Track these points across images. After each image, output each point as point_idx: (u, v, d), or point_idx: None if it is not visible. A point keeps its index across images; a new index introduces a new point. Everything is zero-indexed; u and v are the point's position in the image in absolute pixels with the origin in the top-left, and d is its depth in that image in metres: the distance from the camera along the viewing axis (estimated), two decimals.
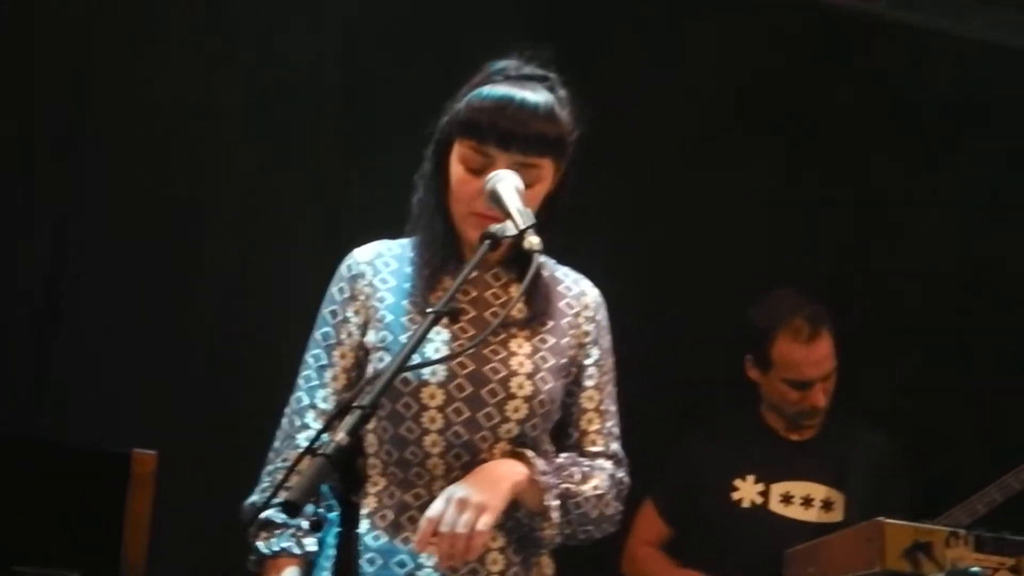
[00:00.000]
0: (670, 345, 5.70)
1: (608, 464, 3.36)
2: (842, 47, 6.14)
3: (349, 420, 2.56)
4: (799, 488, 5.01)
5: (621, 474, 3.38)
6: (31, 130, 5.07)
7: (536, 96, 3.21)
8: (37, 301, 5.05)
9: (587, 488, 3.28)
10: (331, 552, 3.08)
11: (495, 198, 3.07)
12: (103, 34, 5.18)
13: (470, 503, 3.03)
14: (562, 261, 3.41)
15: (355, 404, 2.62)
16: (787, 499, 5.00)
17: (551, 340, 3.31)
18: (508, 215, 2.98)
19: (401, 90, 5.11)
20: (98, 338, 4.99)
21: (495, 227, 2.97)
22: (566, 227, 3.23)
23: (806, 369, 4.99)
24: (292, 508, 2.59)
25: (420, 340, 2.84)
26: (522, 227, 2.93)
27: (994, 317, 6.11)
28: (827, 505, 4.97)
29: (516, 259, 3.20)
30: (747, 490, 5.02)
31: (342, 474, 2.55)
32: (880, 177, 6.11)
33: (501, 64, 3.30)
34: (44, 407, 4.90)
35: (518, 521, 3.24)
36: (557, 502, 3.21)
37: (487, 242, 2.95)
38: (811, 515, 4.94)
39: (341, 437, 2.53)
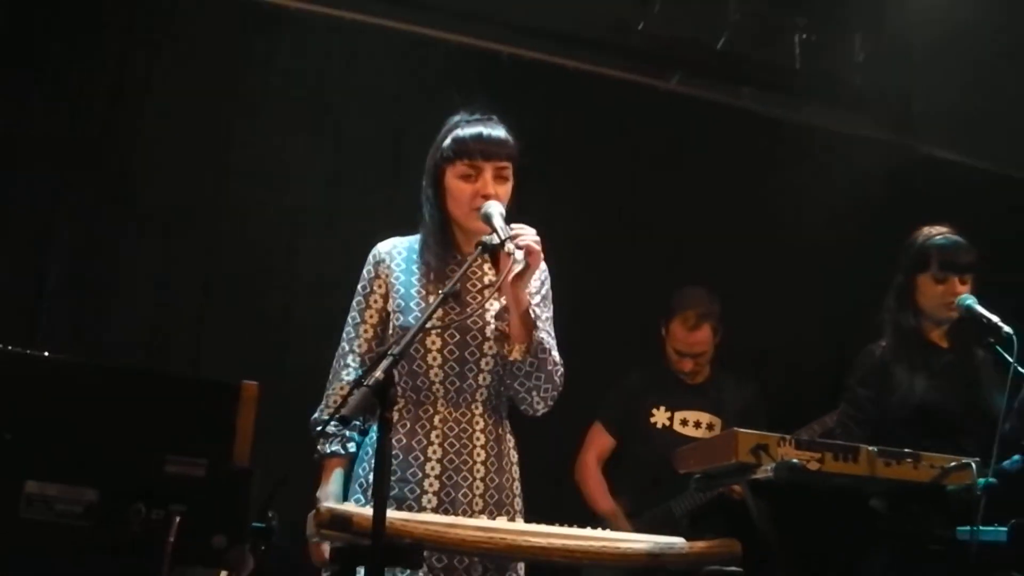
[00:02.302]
0: (621, 312, 6.03)
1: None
2: None
3: (384, 363, 2.88)
4: (693, 415, 5.50)
5: (562, 368, 3.57)
6: None
7: (497, 128, 3.58)
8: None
9: (555, 352, 3.53)
10: (370, 451, 3.49)
11: (487, 219, 3.39)
12: None
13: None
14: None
15: (389, 352, 2.92)
16: (685, 422, 5.47)
17: None
18: (494, 230, 3.32)
19: None
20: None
21: (485, 237, 3.32)
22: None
23: (685, 346, 5.50)
24: (345, 420, 2.98)
25: (435, 310, 3.22)
26: (503, 238, 3.28)
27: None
28: (710, 427, 5.46)
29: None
30: (660, 416, 5.48)
31: (380, 398, 2.84)
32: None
33: (459, 116, 3.63)
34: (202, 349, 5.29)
35: (492, 393, 3.54)
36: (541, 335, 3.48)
37: (479, 247, 3.32)
38: (700, 433, 5.43)
39: (379, 375, 2.83)
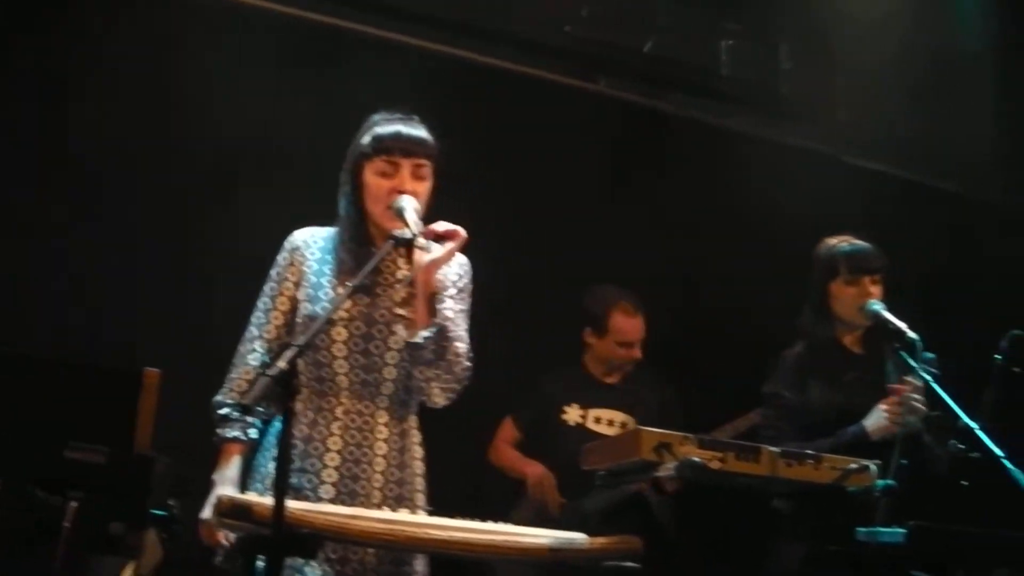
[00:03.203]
0: (532, 318, 6.08)
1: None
2: None
3: (288, 353, 2.90)
4: (606, 414, 5.56)
5: (468, 363, 3.52)
6: None
7: (416, 127, 3.59)
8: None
9: (459, 343, 3.48)
10: (273, 440, 3.47)
11: (399, 213, 3.41)
12: None
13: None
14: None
15: (293, 343, 2.98)
16: (598, 420, 5.54)
17: None
18: (407, 225, 3.37)
19: None
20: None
21: (397, 232, 3.38)
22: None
23: (632, 335, 5.57)
24: (246, 409, 3.09)
25: (342, 303, 3.26)
26: (415, 233, 3.35)
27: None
28: (623, 425, 5.51)
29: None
30: (572, 413, 5.55)
31: (283, 389, 2.87)
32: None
33: (380, 115, 3.64)
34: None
35: (399, 387, 3.52)
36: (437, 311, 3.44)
37: (391, 240, 3.38)
38: (613, 432, 5.48)
39: (283, 365, 2.86)
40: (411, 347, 3.48)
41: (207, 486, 3.45)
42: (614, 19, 6.29)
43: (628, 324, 5.60)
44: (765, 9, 6.59)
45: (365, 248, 3.58)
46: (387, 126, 3.59)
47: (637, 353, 5.63)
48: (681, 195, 6.40)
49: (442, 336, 3.45)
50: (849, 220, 4.88)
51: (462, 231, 3.45)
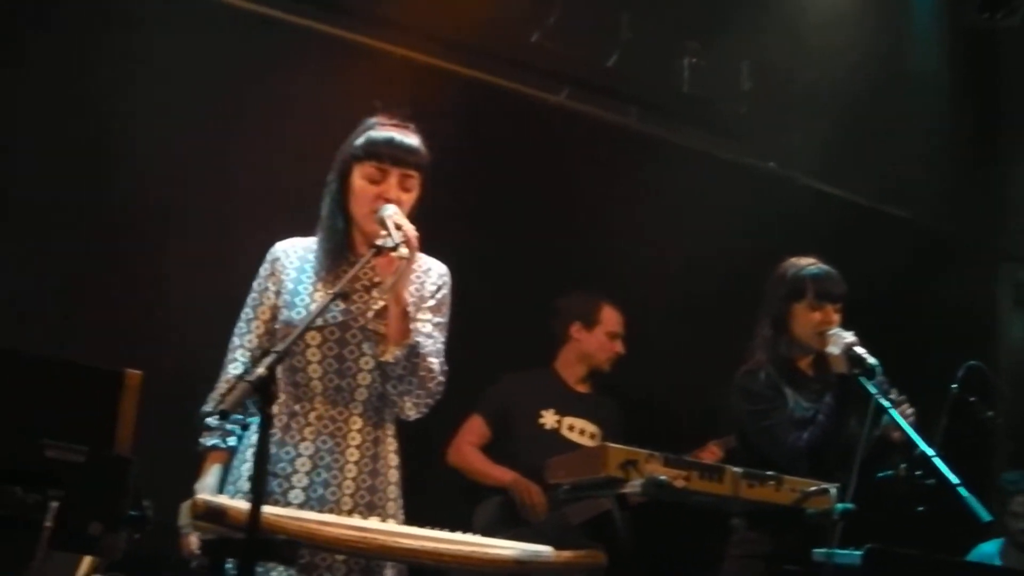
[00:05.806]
0: (502, 318, 6.03)
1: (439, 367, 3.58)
2: None
3: (267, 359, 2.95)
4: (579, 423, 5.73)
5: (442, 378, 3.57)
6: None
7: (410, 136, 3.61)
8: None
9: (432, 359, 3.52)
10: (251, 443, 3.51)
11: (382, 223, 3.42)
12: None
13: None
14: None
15: (272, 349, 3.01)
16: (572, 428, 5.68)
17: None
18: (388, 234, 3.36)
19: None
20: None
21: (379, 240, 3.35)
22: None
23: (620, 326, 5.85)
24: (224, 414, 3.17)
25: (322, 311, 3.28)
26: (397, 243, 3.34)
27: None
28: (592, 436, 5.69)
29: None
30: (549, 418, 5.67)
31: (261, 394, 2.91)
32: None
33: (375, 119, 3.65)
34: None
35: (372, 394, 3.54)
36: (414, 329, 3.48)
37: (373, 249, 3.36)
38: (584, 440, 5.66)
39: (261, 371, 2.90)
40: (382, 364, 3.52)
41: (182, 493, 3.41)
42: (580, 32, 6.39)
43: (617, 316, 5.87)
44: (727, 30, 6.68)
45: (343, 253, 3.62)
46: (381, 131, 3.61)
47: (621, 347, 5.83)
48: (638, 209, 6.44)
49: (413, 354, 3.49)
50: (801, 241, 4.94)
51: (412, 237, 3.43)
